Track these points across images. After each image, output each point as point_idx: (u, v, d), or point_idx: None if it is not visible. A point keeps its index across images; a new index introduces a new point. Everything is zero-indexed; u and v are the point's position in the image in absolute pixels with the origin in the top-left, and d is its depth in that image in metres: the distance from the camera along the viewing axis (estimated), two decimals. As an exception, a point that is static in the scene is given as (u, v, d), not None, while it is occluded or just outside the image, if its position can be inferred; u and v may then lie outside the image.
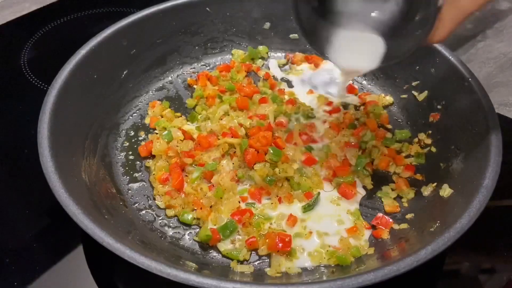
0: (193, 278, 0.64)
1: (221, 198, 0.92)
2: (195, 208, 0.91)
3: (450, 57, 1.05)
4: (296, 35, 1.31)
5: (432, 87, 1.10)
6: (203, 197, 0.93)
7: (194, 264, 0.79)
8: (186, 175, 0.97)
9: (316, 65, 1.29)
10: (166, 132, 1.04)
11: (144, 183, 0.99)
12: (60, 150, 0.84)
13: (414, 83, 1.15)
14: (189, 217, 0.90)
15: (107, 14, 1.54)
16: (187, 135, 1.05)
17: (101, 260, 0.88)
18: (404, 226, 0.90)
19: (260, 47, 1.32)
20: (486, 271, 0.90)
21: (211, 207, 0.91)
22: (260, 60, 1.31)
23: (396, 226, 0.90)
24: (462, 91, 0.99)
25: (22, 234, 0.93)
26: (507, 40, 1.45)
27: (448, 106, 1.04)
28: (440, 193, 0.91)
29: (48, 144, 0.83)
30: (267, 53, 1.33)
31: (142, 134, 1.09)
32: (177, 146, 1.01)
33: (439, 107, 1.07)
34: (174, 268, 0.65)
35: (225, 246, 0.86)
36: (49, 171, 0.78)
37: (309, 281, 0.67)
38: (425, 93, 1.11)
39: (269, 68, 1.30)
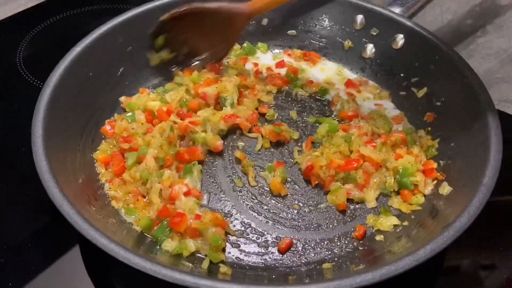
0: (188, 279, 0.63)
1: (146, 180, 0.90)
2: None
3: (449, 53, 1.04)
4: (294, 31, 1.31)
5: (431, 83, 1.09)
6: (140, 185, 0.91)
7: (190, 264, 0.79)
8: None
9: (314, 62, 1.27)
10: (130, 113, 1.03)
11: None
12: (54, 149, 0.84)
13: (413, 80, 1.14)
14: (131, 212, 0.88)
15: (103, 11, 1.53)
16: (148, 118, 1.03)
17: (98, 260, 0.87)
18: (404, 224, 0.89)
19: (259, 44, 1.31)
20: (485, 269, 0.90)
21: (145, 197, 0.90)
22: (257, 55, 1.30)
23: (395, 224, 0.90)
24: (461, 87, 0.98)
25: (18, 233, 0.92)
26: (507, 36, 1.43)
27: (448, 102, 1.03)
28: (439, 191, 0.90)
29: (42, 142, 0.82)
30: (266, 50, 1.31)
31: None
32: (133, 129, 0.99)
33: (438, 103, 1.06)
34: (170, 269, 0.65)
35: (170, 245, 0.82)
36: (43, 170, 0.77)
37: (307, 281, 0.67)
38: (424, 89, 1.10)
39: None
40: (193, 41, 1.12)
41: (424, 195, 0.93)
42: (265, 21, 1.30)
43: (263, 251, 0.85)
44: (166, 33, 1.09)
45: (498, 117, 0.89)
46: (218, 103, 1.09)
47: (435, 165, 0.96)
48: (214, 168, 1.01)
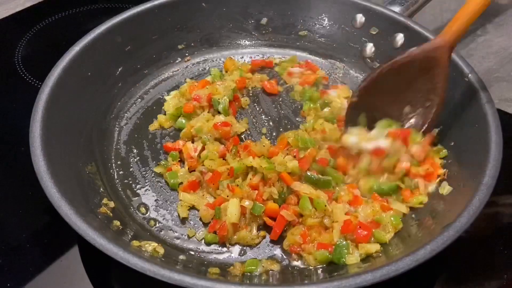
0: (187, 280, 0.63)
1: None
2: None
3: (449, 52, 1.03)
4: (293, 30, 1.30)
5: (431, 82, 1.08)
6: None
7: (190, 264, 0.78)
8: None
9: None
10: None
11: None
12: (53, 149, 0.83)
13: (413, 79, 1.13)
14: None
15: (103, 10, 1.52)
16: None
17: (97, 260, 0.87)
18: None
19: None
20: (485, 270, 0.88)
21: None
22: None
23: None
24: (462, 86, 0.98)
25: (16, 234, 0.91)
26: (507, 35, 1.43)
27: (448, 101, 1.02)
28: (439, 191, 0.90)
29: (40, 142, 0.82)
30: None
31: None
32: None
33: (438, 103, 1.05)
34: (168, 269, 0.64)
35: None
36: (41, 170, 0.77)
37: (306, 282, 0.67)
38: (424, 89, 1.10)
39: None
40: (391, 109, 0.93)
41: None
42: (264, 20, 1.29)
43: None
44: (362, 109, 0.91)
45: (498, 116, 0.88)
46: (212, 106, 1.08)
47: (439, 170, 0.93)
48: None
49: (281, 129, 1.08)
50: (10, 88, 1.25)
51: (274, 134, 1.07)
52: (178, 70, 1.24)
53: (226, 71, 1.22)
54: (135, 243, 0.79)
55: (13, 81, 1.26)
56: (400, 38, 1.15)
